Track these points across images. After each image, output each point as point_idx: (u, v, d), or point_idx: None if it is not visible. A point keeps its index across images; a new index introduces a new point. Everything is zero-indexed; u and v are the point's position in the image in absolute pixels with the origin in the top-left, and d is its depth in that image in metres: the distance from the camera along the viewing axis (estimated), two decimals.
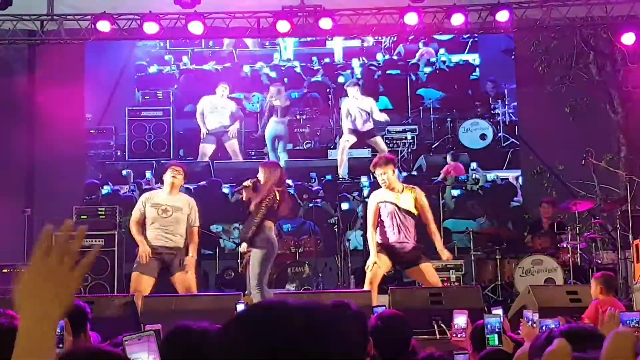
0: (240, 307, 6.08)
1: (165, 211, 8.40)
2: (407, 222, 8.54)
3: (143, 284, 8.17)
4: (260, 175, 8.65)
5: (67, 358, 2.30)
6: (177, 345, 3.28)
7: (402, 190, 8.59)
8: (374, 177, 13.14)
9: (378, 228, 8.61)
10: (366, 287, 8.33)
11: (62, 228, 1.61)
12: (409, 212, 8.54)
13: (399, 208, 8.52)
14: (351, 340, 1.42)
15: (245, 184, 8.62)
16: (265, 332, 1.35)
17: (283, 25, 11.39)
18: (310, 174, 13.75)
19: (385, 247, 8.56)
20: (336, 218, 11.37)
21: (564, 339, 1.61)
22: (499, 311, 4.44)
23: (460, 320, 4.39)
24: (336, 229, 11.29)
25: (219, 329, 1.43)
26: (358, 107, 13.84)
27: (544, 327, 4.76)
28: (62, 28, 11.67)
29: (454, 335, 4.37)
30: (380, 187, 8.64)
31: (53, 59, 12.99)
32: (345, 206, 12.82)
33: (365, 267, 8.55)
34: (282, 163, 12.94)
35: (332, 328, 1.38)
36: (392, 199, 8.54)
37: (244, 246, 8.83)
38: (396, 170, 8.81)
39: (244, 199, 8.79)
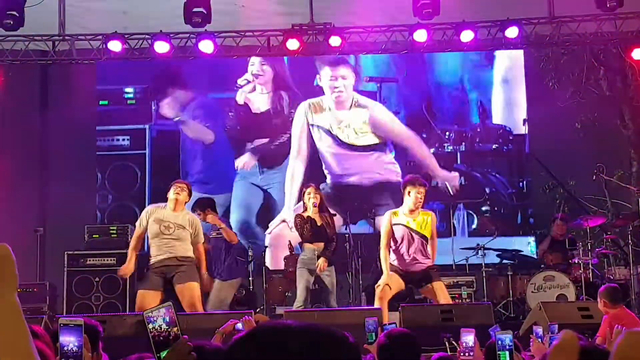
0: (239, 325, 6.11)
1: (168, 228, 8.38)
2: (419, 244, 8.59)
3: (148, 299, 8.16)
4: (316, 196, 9.21)
5: None
6: None
7: (419, 214, 8.65)
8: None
9: (392, 249, 8.66)
10: (376, 304, 8.34)
11: None
12: (422, 235, 8.60)
13: (412, 230, 8.58)
14: None
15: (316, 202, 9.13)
16: (263, 354, 1.35)
17: (293, 44, 11.43)
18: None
19: (398, 268, 8.62)
20: (347, 235, 11.36)
21: (570, 330, 1.59)
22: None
23: (468, 338, 4.37)
24: (347, 246, 11.28)
25: (225, 350, 1.44)
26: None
27: (552, 342, 4.75)
28: (74, 48, 11.74)
29: (462, 354, 4.35)
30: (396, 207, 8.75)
31: (65, 79, 13.08)
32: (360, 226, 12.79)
33: (376, 286, 8.58)
34: None
35: (329, 352, 1.37)
36: (405, 222, 8.60)
37: (321, 261, 9.16)
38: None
39: (317, 222, 9.18)
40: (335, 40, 11.49)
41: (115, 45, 11.41)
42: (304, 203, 9.41)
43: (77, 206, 12.60)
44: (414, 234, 8.59)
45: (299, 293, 9.31)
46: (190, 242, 8.50)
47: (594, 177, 11.73)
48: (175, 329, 3.25)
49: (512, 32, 11.26)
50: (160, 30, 11.39)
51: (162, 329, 3.21)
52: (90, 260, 11.14)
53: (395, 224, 8.65)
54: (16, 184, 12.52)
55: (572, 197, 12.75)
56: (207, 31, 11.24)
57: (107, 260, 11.09)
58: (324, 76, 13.83)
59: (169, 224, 8.37)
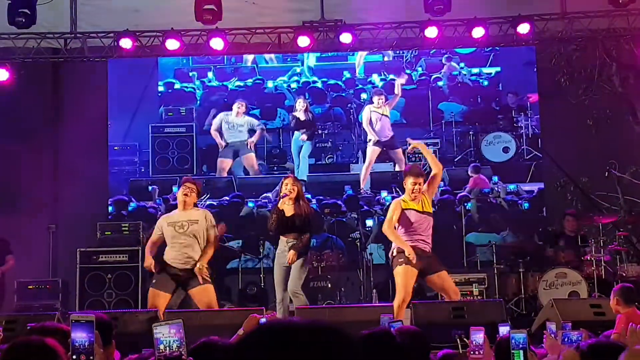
0: (262, 320, 6.09)
1: (182, 226, 8.42)
2: (426, 224, 8.56)
3: (159, 299, 8.23)
4: (293, 187, 8.88)
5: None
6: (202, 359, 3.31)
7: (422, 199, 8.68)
8: (396, 190, 13.24)
9: (409, 232, 8.62)
10: (397, 303, 8.22)
11: None
12: (428, 213, 8.60)
13: (419, 212, 8.58)
14: None
15: (288, 194, 8.81)
16: (270, 353, 1.34)
17: (303, 41, 11.43)
18: (345, 187, 13.77)
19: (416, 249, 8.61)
20: (358, 232, 11.36)
21: (572, 350, 1.60)
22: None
23: (478, 337, 4.36)
24: (358, 244, 11.29)
25: (233, 347, 1.43)
26: (382, 115, 13.84)
27: (566, 339, 4.74)
28: (85, 46, 11.77)
29: (472, 352, 4.33)
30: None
31: (76, 76, 13.12)
32: (369, 222, 12.73)
33: (407, 254, 8.36)
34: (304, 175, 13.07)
35: (336, 351, 1.36)
36: (414, 206, 8.62)
37: (291, 254, 8.82)
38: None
39: (285, 213, 8.86)
40: (346, 37, 11.48)
41: (126, 43, 11.43)
42: (279, 192, 9.13)
43: (89, 203, 12.64)
44: (421, 215, 8.60)
45: (276, 291, 9.06)
46: (207, 235, 8.51)
47: (607, 173, 11.68)
48: (181, 347, 3.28)
49: (523, 28, 11.22)
50: (172, 28, 11.41)
51: (174, 349, 3.23)
52: (102, 257, 11.17)
53: (406, 209, 8.62)
54: (29, 181, 12.56)
55: (585, 194, 12.70)
56: (218, 28, 11.25)
57: (119, 257, 11.12)
58: None
59: (182, 223, 8.41)
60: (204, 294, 8.32)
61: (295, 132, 14.11)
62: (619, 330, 6.90)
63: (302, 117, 14.04)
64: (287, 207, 8.90)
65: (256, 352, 1.36)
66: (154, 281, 8.41)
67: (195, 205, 8.65)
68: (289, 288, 8.83)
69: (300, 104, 14.07)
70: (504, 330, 5.07)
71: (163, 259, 8.48)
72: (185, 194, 8.46)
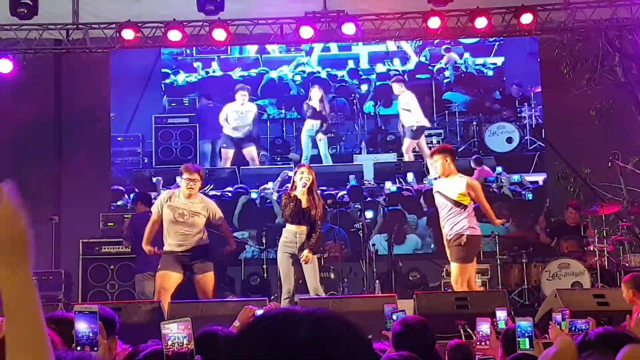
0: (259, 312, 6.11)
1: (182, 215, 8.45)
2: (455, 212, 8.63)
3: (168, 280, 8.30)
4: (309, 176, 8.75)
5: None
6: (204, 349, 3.30)
7: (454, 179, 8.72)
8: (400, 181, 13.24)
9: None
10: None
11: None
12: (457, 203, 8.62)
13: (445, 197, 8.67)
14: (359, 353, 1.38)
15: (307, 183, 8.73)
16: (270, 341, 1.33)
17: (306, 31, 11.41)
18: (349, 177, 13.77)
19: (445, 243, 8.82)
20: (361, 223, 11.35)
21: (567, 337, 1.57)
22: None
23: (484, 327, 4.36)
24: (361, 235, 11.28)
25: (234, 337, 1.43)
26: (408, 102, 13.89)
27: (573, 328, 4.73)
28: (87, 37, 11.76)
29: (479, 343, 4.33)
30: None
31: (79, 67, 13.11)
32: (369, 214, 12.68)
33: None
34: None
35: (338, 339, 1.35)
36: (440, 188, 8.77)
37: (306, 252, 8.72)
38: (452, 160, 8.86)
39: (302, 203, 8.78)
40: (348, 28, 11.46)
41: (128, 34, 11.42)
42: (293, 181, 8.91)
43: (91, 194, 12.64)
44: (446, 200, 8.69)
45: (283, 282, 8.93)
46: (210, 224, 8.65)
47: (609, 164, 11.66)
48: (190, 344, 3.28)
49: (526, 18, 11.20)
50: (174, 19, 11.40)
51: (183, 345, 3.24)
52: (105, 248, 11.19)
53: (434, 191, 8.88)
54: (31, 172, 12.56)
55: (587, 184, 12.68)
56: (220, 19, 11.23)
57: (122, 248, 11.13)
58: None
59: (183, 211, 8.44)
60: (204, 282, 8.45)
61: (307, 122, 14.06)
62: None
63: (317, 107, 13.99)
64: (303, 198, 8.75)
65: (258, 341, 1.35)
66: (160, 265, 8.47)
67: (201, 191, 8.72)
68: (313, 287, 8.79)
69: (315, 94, 14.02)
70: (500, 314, 5.07)
71: (164, 249, 8.53)
72: (190, 187, 8.43)
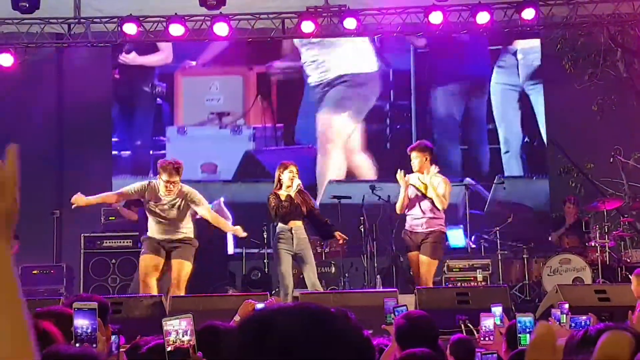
0: (259, 306, 6.11)
1: (164, 210, 8.41)
2: (430, 208, 8.79)
3: (152, 263, 8.32)
4: (297, 173, 8.95)
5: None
6: (204, 343, 3.31)
7: (430, 176, 8.83)
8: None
9: (407, 216, 9.02)
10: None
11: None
12: (431, 199, 8.81)
13: (416, 188, 8.83)
14: (352, 349, 1.38)
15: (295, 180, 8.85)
16: (265, 336, 1.34)
17: (308, 26, 11.40)
18: None
19: (410, 237, 8.86)
20: (362, 218, 11.33)
21: (545, 322, 1.56)
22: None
23: (488, 322, 4.35)
24: (362, 229, 11.27)
25: (232, 332, 1.43)
26: None
27: (573, 324, 4.73)
28: (89, 31, 11.75)
29: (483, 338, 4.33)
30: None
31: (80, 61, 13.10)
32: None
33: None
34: None
35: (334, 335, 1.35)
36: (414, 181, 8.88)
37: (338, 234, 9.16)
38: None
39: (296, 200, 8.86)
40: (350, 23, 11.45)
41: (130, 28, 11.41)
42: (279, 180, 8.93)
43: (93, 188, 12.61)
44: (419, 193, 8.86)
45: (285, 280, 8.86)
46: (197, 211, 8.57)
47: (611, 159, 11.66)
48: (192, 340, 3.28)
49: (528, 13, 11.18)
50: (175, 13, 11.39)
51: (184, 341, 3.25)
52: (106, 242, 11.18)
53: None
54: (32, 166, 12.54)
55: (589, 179, 12.68)
56: (221, 14, 11.22)
57: (124, 242, 11.14)
58: None
59: (163, 207, 8.40)
60: (178, 267, 8.36)
61: None
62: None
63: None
64: (294, 194, 8.85)
65: (254, 337, 1.36)
66: (142, 249, 8.49)
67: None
68: (311, 282, 8.84)
69: None
70: (496, 310, 5.08)
71: (148, 235, 8.54)
72: (169, 190, 8.27)
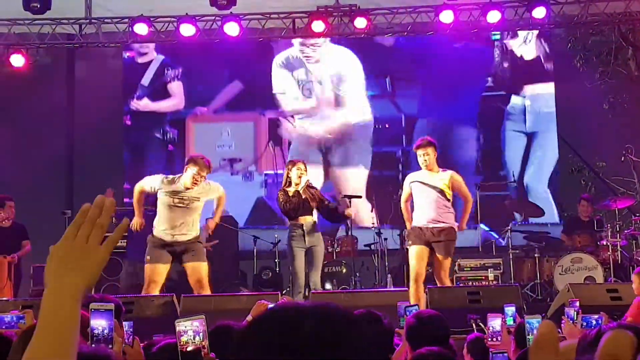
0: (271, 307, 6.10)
1: (182, 200, 8.21)
2: (440, 202, 8.58)
3: (158, 273, 8.15)
4: (305, 170, 8.97)
5: None
6: (217, 343, 3.32)
7: (438, 172, 8.69)
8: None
9: (413, 211, 8.73)
10: (412, 285, 8.32)
11: (94, 203, 1.63)
12: (442, 192, 8.57)
13: (432, 187, 8.59)
14: (365, 349, 1.38)
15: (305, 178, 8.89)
16: (276, 335, 1.34)
17: (318, 26, 11.40)
18: None
19: (419, 232, 8.59)
20: (373, 217, 11.34)
21: (548, 322, 1.55)
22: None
23: (496, 323, 4.35)
24: (373, 228, 11.27)
25: (244, 331, 1.42)
26: None
27: (585, 323, 4.72)
28: (100, 31, 11.79)
29: (490, 339, 4.32)
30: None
31: (91, 61, 13.15)
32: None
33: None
34: None
35: (345, 335, 1.35)
36: (424, 179, 8.65)
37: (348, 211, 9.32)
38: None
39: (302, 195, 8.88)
40: (360, 22, 11.46)
41: (141, 29, 11.44)
42: (288, 177, 8.96)
43: (103, 188, 12.65)
44: (433, 191, 8.63)
45: (298, 278, 8.86)
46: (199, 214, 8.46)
47: (623, 158, 11.62)
48: (205, 342, 3.29)
49: (539, 12, 11.15)
50: (186, 13, 11.41)
51: (197, 342, 3.26)
52: (118, 243, 11.20)
53: (413, 182, 8.75)
54: (44, 167, 12.63)
55: (600, 178, 12.65)
56: (232, 14, 11.24)
57: None
58: None
59: (182, 196, 8.21)
60: (196, 270, 8.22)
61: None
62: (632, 315, 6.87)
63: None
64: (301, 191, 8.89)
65: (264, 335, 1.36)
66: (148, 257, 8.25)
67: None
68: (313, 280, 8.83)
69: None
70: (509, 310, 5.07)
71: (153, 234, 8.34)
72: (195, 183, 8.16)
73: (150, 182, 8.39)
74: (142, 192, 8.43)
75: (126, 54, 13.71)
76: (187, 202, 8.25)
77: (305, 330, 1.34)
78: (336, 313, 1.38)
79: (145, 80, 13.65)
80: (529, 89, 13.78)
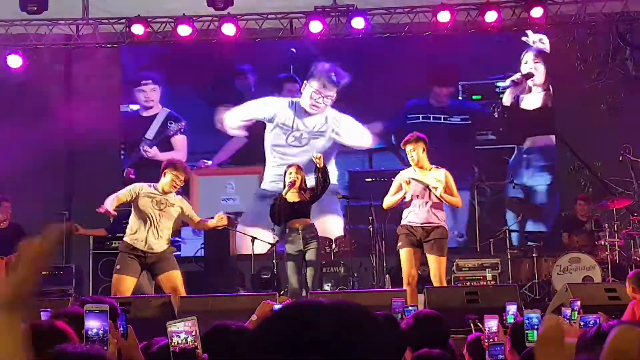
0: (277, 307, 6.05)
1: (160, 203, 8.17)
2: (432, 201, 8.47)
3: (124, 284, 8.04)
4: (297, 175, 8.97)
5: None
6: (216, 343, 3.31)
7: (430, 170, 8.56)
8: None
9: (404, 211, 8.60)
10: (406, 289, 8.25)
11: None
12: (435, 188, 8.44)
13: (423, 184, 8.47)
14: (382, 345, 1.36)
15: (294, 183, 8.89)
16: (293, 331, 1.32)
17: (315, 26, 11.41)
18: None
19: (409, 231, 8.51)
20: (371, 217, 11.32)
21: (554, 316, 1.55)
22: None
23: (492, 324, 4.34)
24: (370, 229, 11.26)
25: (256, 328, 1.40)
26: None
27: (583, 323, 4.72)
28: (97, 32, 11.79)
29: (487, 340, 4.32)
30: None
31: (88, 62, 13.12)
32: None
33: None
34: None
35: (361, 330, 1.34)
36: (417, 176, 8.51)
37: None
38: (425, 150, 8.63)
39: (289, 200, 8.90)
40: (358, 22, 11.46)
41: (138, 29, 11.45)
42: (284, 182, 9.06)
43: (101, 189, 12.64)
44: (425, 190, 8.47)
45: (291, 283, 8.97)
46: (187, 221, 8.44)
47: (620, 158, 11.62)
48: (197, 343, 3.29)
49: (537, 12, 11.17)
50: (183, 14, 11.41)
51: (189, 343, 3.25)
52: (115, 243, 11.17)
53: (405, 179, 8.57)
54: (41, 168, 12.60)
55: (598, 178, 12.65)
56: (229, 14, 11.25)
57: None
58: None
59: (160, 199, 8.18)
60: (169, 280, 8.14)
61: None
62: (627, 318, 6.84)
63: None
64: (291, 195, 8.94)
65: (281, 332, 1.34)
66: (117, 267, 8.18)
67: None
68: (313, 282, 8.85)
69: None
70: (511, 308, 5.06)
71: (125, 241, 8.29)
72: (174, 186, 8.17)
73: (127, 190, 8.33)
74: (118, 199, 8.29)
75: (129, 107, 13.66)
76: (162, 206, 8.20)
77: (322, 327, 1.32)
78: (352, 309, 1.37)
79: (150, 133, 13.59)
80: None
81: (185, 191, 13.48)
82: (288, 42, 12.89)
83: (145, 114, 13.64)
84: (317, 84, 12.92)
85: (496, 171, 13.09)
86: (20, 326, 1.64)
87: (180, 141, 13.50)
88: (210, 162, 13.61)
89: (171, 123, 13.53)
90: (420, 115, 13.26)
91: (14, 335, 1.59)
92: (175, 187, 8.22)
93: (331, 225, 12.48)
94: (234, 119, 13.28)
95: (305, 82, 13.01)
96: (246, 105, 13.32)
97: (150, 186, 8.32)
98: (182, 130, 13.47)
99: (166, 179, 8.20)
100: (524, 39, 12.97)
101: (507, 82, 13.15)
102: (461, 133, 13.28)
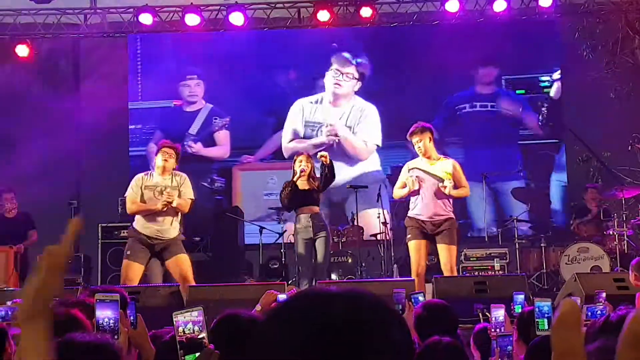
0: (282, 297, 6.05)
1: (162, 193, 8.22)
2: (441, 193, 8.40)
3: (133, 271, 8.12)
4: (307, 164, 9.01)
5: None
6: (225, 332, 3.31)
7: (439, 159, 8.53)
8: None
9: (412, 202, 8.57)
10: (415, 279, 8.23)
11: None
12: (443, 182, 8.39)
13: (431, 175, 8.43)
14: (394, 334, 1.34)
15: (306, 170, 8.95)
16: (304, 320, 1.31)
17: (323, 15, 11.38)
18: None
19: (419, 224, 8.49)
20: (380, 208, 11.31)
21: (570, 299, 1.53)
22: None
23: (499, 313, 4.34)
24: (379, 219, 11.25)
25: (267, 316, 1.39)
26: None
27: (589, 313, 4.71)
28: (105, 21, 11.78)
29: (493, 329, 4.31)
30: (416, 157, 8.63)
31: (97, 51, 13.12)
32: None
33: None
34: None
35: (373, 318, 1.32)
36: (424, 167, 8.47)
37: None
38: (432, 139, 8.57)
39: (299, 187, 8.94)
40: (366, 11, 11.43)
41: (146, 18, 11.45)
42: (293, 170, 9.07)
43: (110, 178, 12.68)
44: (432, 180, 8.42)
45: (301, 268, 9.05)
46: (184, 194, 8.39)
47: (629, 147, 11.59)
48: (203, 334, 3.29)
49: (545, 1, 11.12)
50: (191, 3, 11.40)
51: (195, 332, 3.25)
52: (124, 232, 11.19)
53: (411, 169, 8.54)
54: (50, 157, 12.62)
55: (607, 168, 12.61)
56: (237, 3, 11.24)
57: None
58: None
59: (161, 188, 8.23)
60: (177, 264, 8.19)
61: None
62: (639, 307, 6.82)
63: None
64: (301, 182, 8.99)
65: (292, 320, 1.33)
66: (127, 252, 8.25)
67: (174, 169, 8.41)
68: (322, 270, 8.89)
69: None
70: (518, 298, 5.05)
71: (134, 227, 8.35)
72: (165, 160, 8.23)
73: (130, 190, 8.40)
74: (133, 202, 8.36)
75: (172, 103, 13.67)
76: (160, 191, 8.25)
77: (334, 314, 1.30)
78: (364, 297, 1.35)
79: (193, 129, 13.59)
80: None
81: (228, 186, 13.58)
82: (297, 32, 12.89)
83: (188, 109, 13.63)
84: (335, 65, 13.03)
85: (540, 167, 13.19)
86: (47, 337, 1.67)
87: (223, 136, 13.52)
88: (252, 157, 13.63)
89: (216, 119, 13.54)
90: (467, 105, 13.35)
91: (39, 350, 1.64)
92: (167, 161, 8.27)
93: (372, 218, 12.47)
94: (286, 146, 13.42)
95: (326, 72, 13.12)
96: (285, 127, 13.49)
97: (147, 174, 8.43)
98: (226, 125, 13.49)
99: (158, 159, 8.32)
100: None
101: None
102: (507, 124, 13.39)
